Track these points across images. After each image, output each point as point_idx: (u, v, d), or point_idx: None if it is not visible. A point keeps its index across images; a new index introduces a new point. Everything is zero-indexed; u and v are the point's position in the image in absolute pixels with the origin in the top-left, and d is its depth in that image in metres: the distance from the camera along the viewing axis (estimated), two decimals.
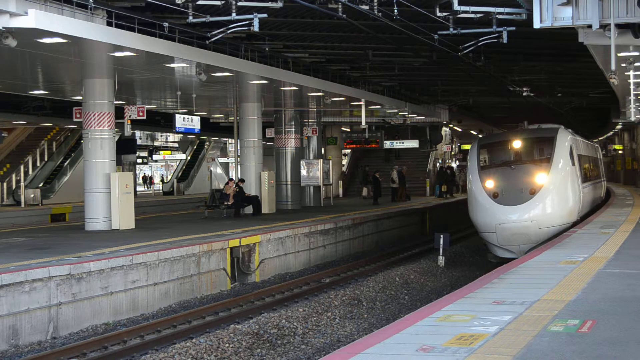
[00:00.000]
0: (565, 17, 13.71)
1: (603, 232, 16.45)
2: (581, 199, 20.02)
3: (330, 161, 35.72)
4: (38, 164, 37.89)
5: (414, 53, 24.84)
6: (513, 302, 8.66)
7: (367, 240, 26.08)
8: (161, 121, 41.86)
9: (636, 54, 16.42)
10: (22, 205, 32.76)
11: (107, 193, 20.60)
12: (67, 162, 38.48)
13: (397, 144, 44.44)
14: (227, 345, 12.10)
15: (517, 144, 20.13)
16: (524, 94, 32.27)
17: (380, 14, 16.63)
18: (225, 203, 25.58)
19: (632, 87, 20.79)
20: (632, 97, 23.38)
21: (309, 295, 17.04)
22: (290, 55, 24.89)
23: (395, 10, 16.39)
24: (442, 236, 21.45)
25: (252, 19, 15.81)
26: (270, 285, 18.05)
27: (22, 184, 34.43)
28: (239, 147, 29.66)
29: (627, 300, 8.67)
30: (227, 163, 60.19)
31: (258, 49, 22.63)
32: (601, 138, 58.35)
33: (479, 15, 16.59)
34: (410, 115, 38.54)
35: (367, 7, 16.39)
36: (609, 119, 43.52)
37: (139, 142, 53.64)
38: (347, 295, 16.52)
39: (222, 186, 31.30)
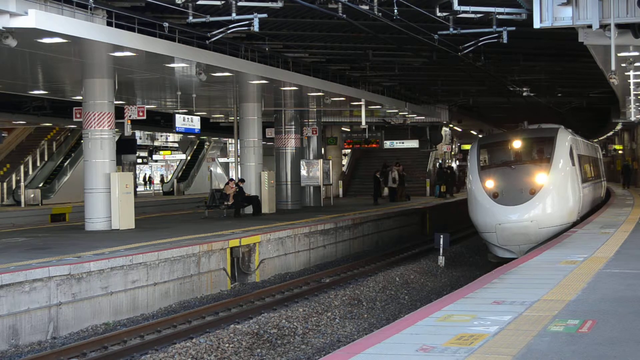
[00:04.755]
0: (565, 17, 13.71)
1: (603, 232, 16.44)
2: (581, 199, 20.01)
3: (330, 161, 35.71)
4: (38, 164, 37.90)
5: (414, 53, 24.84)
6: (513, 302, 8.66)
7: (367, 240, 26.08)
8: (161, 121, 41.87)
9: (636, 54, 16.42)
10: (22, 205, 32.76)
11: (107, 193, 20.60)
12: (67, 162, 38.48)
13: (397, 144, 44.47)
14: (227, 345, 12.10)
15: (517, 144, 20.13)
16: (524, 94, 32.27)
17: (380, 14, 16.63)
18: (225, 203, 25.58)
19: (632, 87, 20.80)
20: (632, 97, 23.39)
21: (309, 295, 17.04)
22: (290, 55, 24.89)
23: (395, 10, 16.39)
24: (442, 236, 21.45)
25: (252, 19, 15.81)
26: (270, 285, 18.05)
27: (22, 184, 34.42)
28: (239, 147, 29.66)
29: (627, 300, 8.67)
30: (227, 163, 60.19)
31: (258, 49, 22.63)
32: (601, 138, 58.35)
33: (479, 15, 16.59)
34: (410, 115, 38.53)
35: (367, 7, 16.39)
36: (609, 119, 43.56)
37: (139, 142, 53.64)
38: (347, 295, 16.52)
39: (222, 186, 31.29)
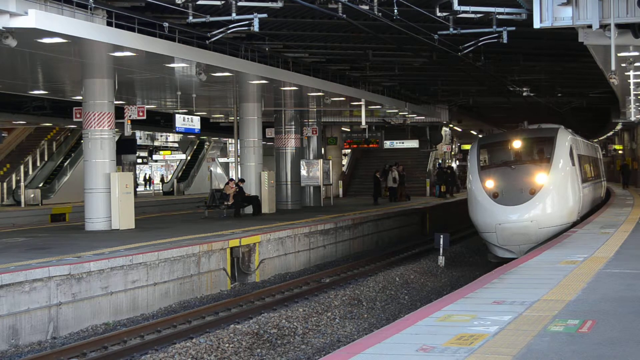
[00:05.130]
0: (565, 17, 13.70)
1: (603, 232, 16.44)
2: (581, 199, 20.01)
3: (330, 161, 35.71)
4: (38, 164, 37.89)
5: (414, 53, 24.84)
6: (513, 302, 8.66)
7: (367, 240, 26.08)
8: (161, 121, 41.86)
9: (636, 54, 16.42)
10: (22, 205, 32.76)
11: (107, 193, 20.61)
12: (67, 162, 38.48)
13: (397, 144, 44.49)
14: (227, 345, 12.10)
15: (517, 144, 20.14)
16: (524, 94, 32.27)
17: (380, 14, 16.63)
18: (225, 203, 25.58)
19: (632, 87, 20.79)
20: (632, 97, 23.38)
21: (309, 295, 17.04)
22: (290, 55, 24.90)
23: (395, 10, 16.39)
24: (442, 236, 21.44)
25: (252, 19, 15.81)
26: (270, 285, 18.05)
27: (22, 184, 34.43)
28: (239, 147, 29.67)
29: (627, 300, 8.67)
30: (227, 163, 60.21)
31: (258, 49, 22.64)
32: (601, 138, 58.34)
33: (479, 15, 16.59)
34: (410, 115, 38.53)
35: (367, 7, 16.39)
36: (609, 119, 43.58)
37: (139, 142, 53.63)
38: (347, 295, 16.52)
39: (222, 186, 31.30)
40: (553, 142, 19.46)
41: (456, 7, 15.89)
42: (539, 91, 34.32)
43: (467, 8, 16.07)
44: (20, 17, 13.68)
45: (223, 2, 15.59)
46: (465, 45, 19.44)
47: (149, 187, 68.22)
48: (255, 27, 15.86)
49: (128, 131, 23.02)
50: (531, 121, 22.61)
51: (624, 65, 17.78)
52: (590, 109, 43.97)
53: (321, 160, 33.19)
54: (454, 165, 52.57)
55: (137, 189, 47.03)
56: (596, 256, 12.52)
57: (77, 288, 13.34)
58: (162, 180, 70.00)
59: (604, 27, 13.69)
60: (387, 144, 43.59)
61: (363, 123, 32.93)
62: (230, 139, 52.49)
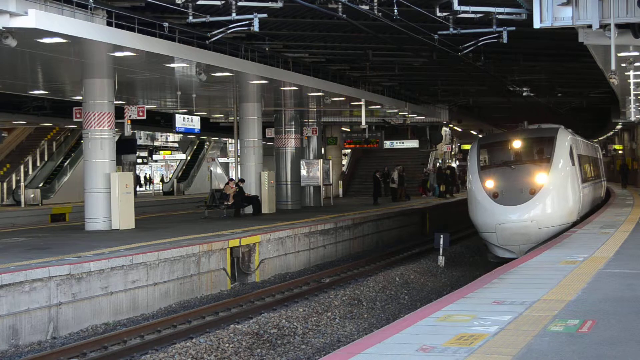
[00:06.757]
0: (565, 17, 13.70)
1: (603, 232, 16.45)
2: (581, 199, 20.01)
3: (330, 161, 35.71)
4: (38, 164, 37.88)
5: (414, 53, 24.84)
6: (513, 302, 8.67)
7: (367, 240, 26.08)
8: (161, 121, 41.85)
9: (636, 54, 16.42)
10: (22, 205, 32.75)
11: (107, 193, 20.61)
12: (67, 162, 38.47)
13: (397, 144, 44.51)
14: (227, 345, 12.10)
15: (517, 144, 20.15)
16: (524, 94, 32.28)
17: (380, 14, 16.63)
18: (225, 203, 25.58)
19: (632, 87, 20.80)
20: (632, 97, 23.39)
21: (309, 295, 17.04)
22: (290, 55, 24.90)
23: (395, 10, 16.39)
24: (442, 236, 21.45)
25: (252, 19, 15.81)
26: (270, 285, 18.05)
27: (22, 184, 34.42)
28: (239, 147, 29.67)
29: (627, 300, 8.67)
30: (227, 163, 60.20)
31: (258, 49, 22.64)
32: (601, 138, 58.34)
33: (479, 15, 16.59)
34: (410, 115, 38.54)
35: (367, 7, 16.39)
36: (609, 119, 43.59)
37: (139, 142, 53.59)
38: (347, 295, 16.52)
39: (222, 186, 31.29)
40: (553, 142, 19.46)
41: (456, 7, 15.89)
42: (539, 91, 34.33)
43: (467, 8, 16.07)
44: (20, 17, 13.69)
45: (223, 2, 15.59)
46: (465, 45, 19.44)
47: (149, 187, 68.22)
48: (255, 27, 15.86)
49: (128, 131, 22.99)
50: (531, 121, 22.61)
51: (624, 65, 17.78)
52: (590, 109, 43.98)
53: (321, 160, 33.19)
54: (454, 165, 52.59)
55: (140, 189, 47.02)
56: (596, 256, 12.52)
57: (77, 288, 13.34)
58: (162, 180, 69.97)
59: (604, 27, 13.68)
60: (387, 144, 43.59)
61: (363, 123, 32.93)
62: (230, 139, 52.47)
